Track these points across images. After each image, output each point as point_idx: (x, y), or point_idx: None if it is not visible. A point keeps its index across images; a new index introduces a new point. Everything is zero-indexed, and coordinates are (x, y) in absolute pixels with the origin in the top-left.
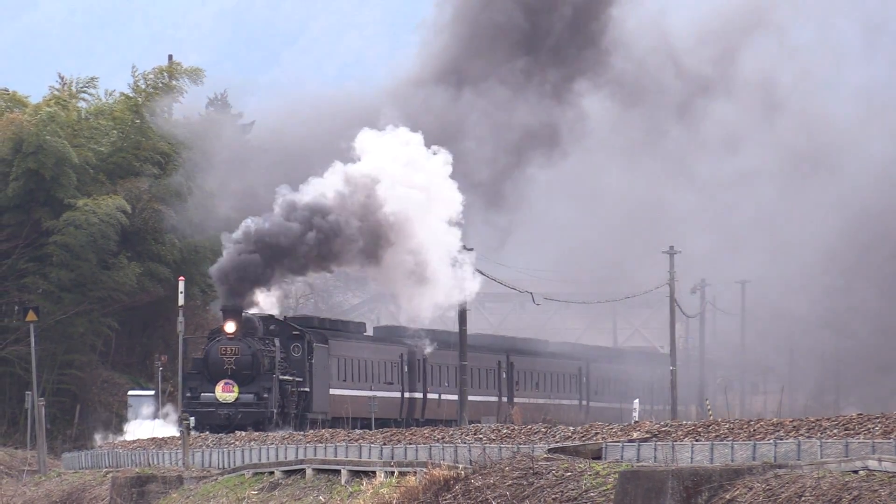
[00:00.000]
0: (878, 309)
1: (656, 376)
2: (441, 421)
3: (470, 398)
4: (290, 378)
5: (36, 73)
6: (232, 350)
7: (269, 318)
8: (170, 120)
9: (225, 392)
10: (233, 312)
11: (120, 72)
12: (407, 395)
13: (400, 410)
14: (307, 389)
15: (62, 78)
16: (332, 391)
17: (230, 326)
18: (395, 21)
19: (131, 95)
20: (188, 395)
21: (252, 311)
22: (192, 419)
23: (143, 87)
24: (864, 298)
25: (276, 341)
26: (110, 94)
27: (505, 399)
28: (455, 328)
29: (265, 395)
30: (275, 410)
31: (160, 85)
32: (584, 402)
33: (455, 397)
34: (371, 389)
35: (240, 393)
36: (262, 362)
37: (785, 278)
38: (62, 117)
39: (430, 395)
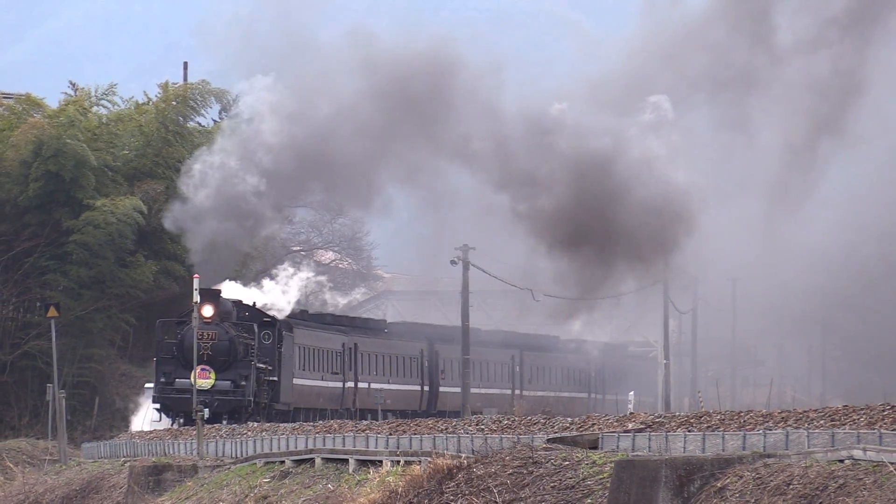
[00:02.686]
0: (864, 305)
1: (596, 365)
2: (368, 411)
3: (392, 387)
4: (264, 366)
5: (56, 78)
6: (209, 335)
7: (240, 304)
8: (187, 127)
9: (201, 378)
10: (211, 296)
11: (137, 77)
12: (348, 384)
13: (342, 400)
14: (275, 379)
15: (73, 85)
16: (294, 381)
17: (208, 310)
18: (403, 27)
19: (161, 105)
20: (162, 380)
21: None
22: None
23: (173, 101)
24: (849, 295)
25: (255, 327)
26: (127, 101)
27: (427, 388)
28: (375, 317)
29: (242, 383)
30: (252, 399)
31: (185, 100)
32: (518, 391)
33: (380, 385)
34: (323, 379)
35: (216, 380)
36: (238, 349)
37: (774, 276)
38: (82, 122)
39: (360, 384)
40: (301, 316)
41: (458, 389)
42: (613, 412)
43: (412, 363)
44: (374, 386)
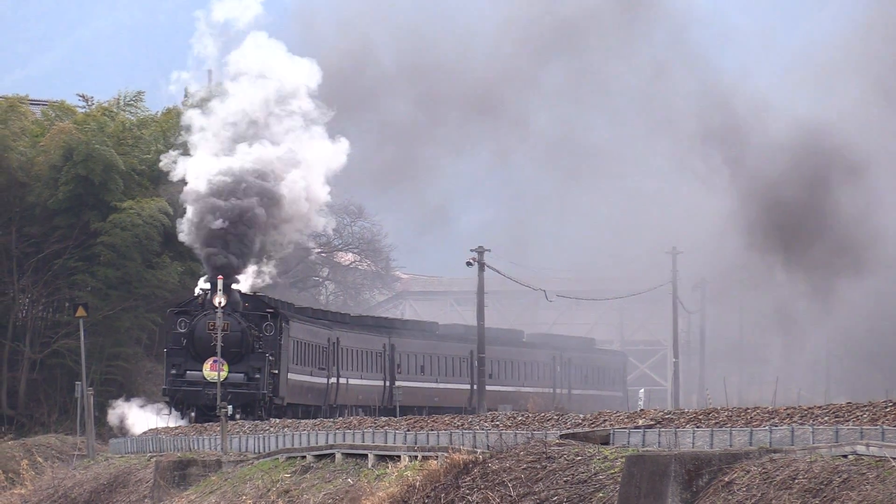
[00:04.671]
0: (867, 305)
1: (562, 360)
2: (347, 407)
3: (364, 382)
4: (272, 359)
5: (84, 86)
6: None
7: (243, 294)
8: None
9: (213, 371)
10: (224, 283)
11: (163, 83)
12: (332, 380)
13: (326, 396)
14: (276, 372)
15: (84, 97)
16: (289, 376)
17: (220, 300)
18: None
19: (181, 109)
20: (173, 372)
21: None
22: (230, 408)
23: (192, 102)
24: (852, 296)
25: (269, 317)
26: (139, 104)
27: (388, 383)
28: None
29: (256, 376)
30: (266, 392)
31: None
32: (476, 387)
33: (359, 382)
34: (312, 375)
35: (230, 372)
36: (249, 340)
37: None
38: (109, 127)
39: (340, 380)
40: (290, 308)
41: (414, 384)
42: (580, 409)
43: (377, 358)
44: (352, 382)
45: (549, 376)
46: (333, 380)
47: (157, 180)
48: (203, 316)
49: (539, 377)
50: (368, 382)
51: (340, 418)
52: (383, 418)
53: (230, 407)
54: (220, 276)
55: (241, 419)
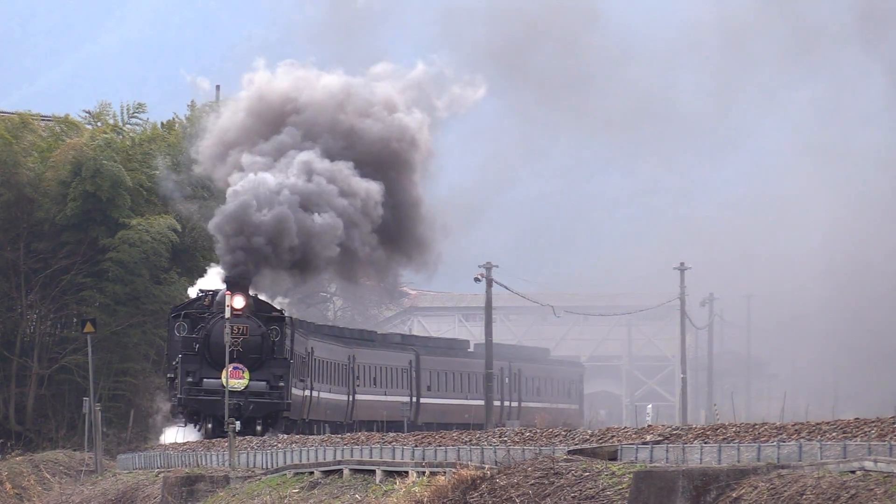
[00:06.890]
0: (873, 320)
1: (511, 371)
2: (318, 422)
3: (331, 396)
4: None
5: (92, 102)
6: (239, 329)
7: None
8: None
9: (233, 378)
10: (239, 286)
11: (172, 99)
12: (306, 392)
13: (301, 410)
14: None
15: (89, 113)
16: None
17: (238, 301)
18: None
19: (186, 125)
20: (189, 380)
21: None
22: (238, 423)
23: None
24: (860, 311)
25: (275, 321)
26: (147, 121)
27: (351, 397)
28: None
29: (280, 384)
30: (290, 402)
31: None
32: (415, 399)
33: (328, 395)
34: (295, 387)
35: (251, 379)
36: (269, 345)
37: (787, 292)
38: (117, 143)
39: (313, 393)
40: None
41: (373, 397)
42: (530, 422)
43: (343, 370)
44: (322, 395)
45: (496, 388)
46: (307, 392)
47: (166, 196)
48: (220, 319)
49: (483, 389)
50: (336, 396)
51: (349, 434)
52: (391, 434)
53: (237, 423)
54: (228, 292)
55: (261, 431)
